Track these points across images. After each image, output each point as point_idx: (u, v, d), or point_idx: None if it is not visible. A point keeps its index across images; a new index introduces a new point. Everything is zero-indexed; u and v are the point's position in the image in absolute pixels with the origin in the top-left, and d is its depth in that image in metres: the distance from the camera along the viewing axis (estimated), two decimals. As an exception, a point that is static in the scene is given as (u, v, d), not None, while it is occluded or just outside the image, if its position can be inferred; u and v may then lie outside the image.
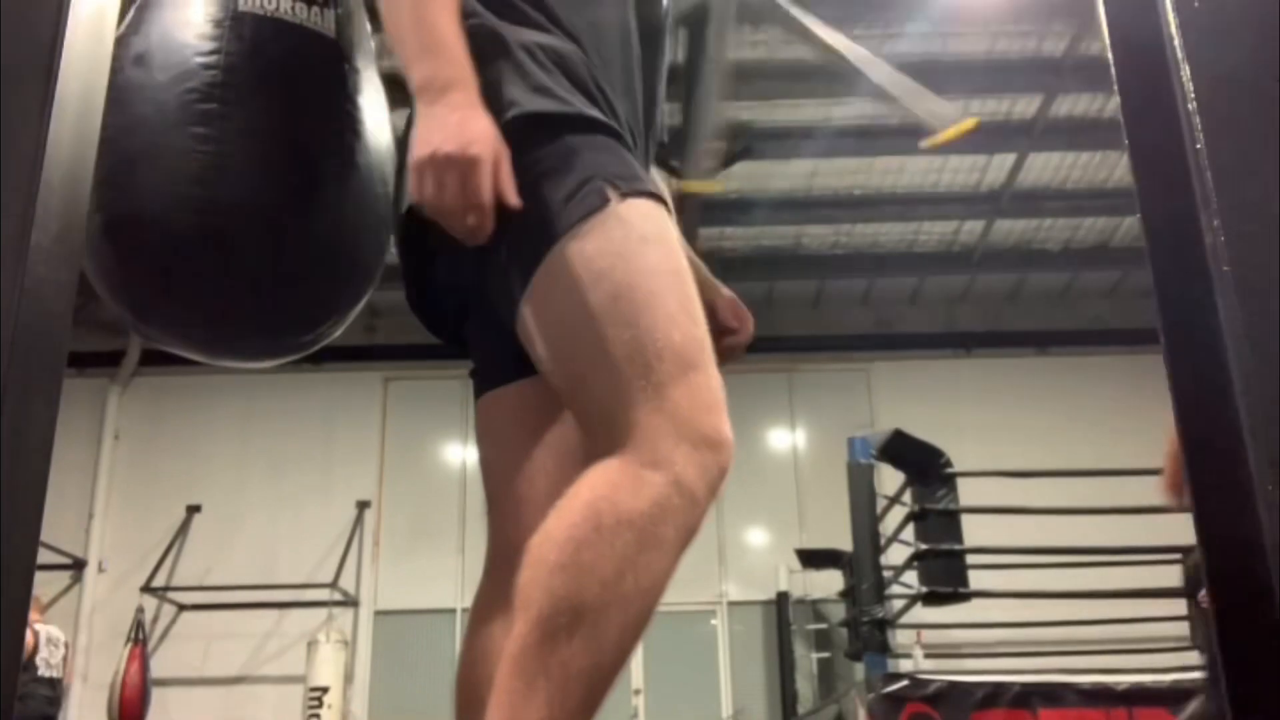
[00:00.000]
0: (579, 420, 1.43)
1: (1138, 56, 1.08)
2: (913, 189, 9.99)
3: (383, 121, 2.15)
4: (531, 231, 1.40)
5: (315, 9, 2.03)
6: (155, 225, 1.93)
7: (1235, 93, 0.99)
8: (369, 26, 2.22)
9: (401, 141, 1.60)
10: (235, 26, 1.96)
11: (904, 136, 8.95)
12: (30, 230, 0.96)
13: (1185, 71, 0.99)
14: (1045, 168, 9.72)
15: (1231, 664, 0.92)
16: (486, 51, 1.47)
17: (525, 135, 1.41)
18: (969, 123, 5.41)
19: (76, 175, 1.06)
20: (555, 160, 1.42)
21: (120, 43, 1.98)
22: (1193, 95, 0.98)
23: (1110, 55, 1.11)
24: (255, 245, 1.95)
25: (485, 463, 1.66)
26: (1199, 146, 0.97)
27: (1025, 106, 9.00)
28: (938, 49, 8.24)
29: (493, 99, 1.42)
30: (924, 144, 5.58)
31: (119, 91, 1.92)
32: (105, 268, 2.00)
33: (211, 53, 1.93)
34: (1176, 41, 1.01)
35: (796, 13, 5.58)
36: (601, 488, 1.28)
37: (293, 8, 2.01)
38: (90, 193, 1.76)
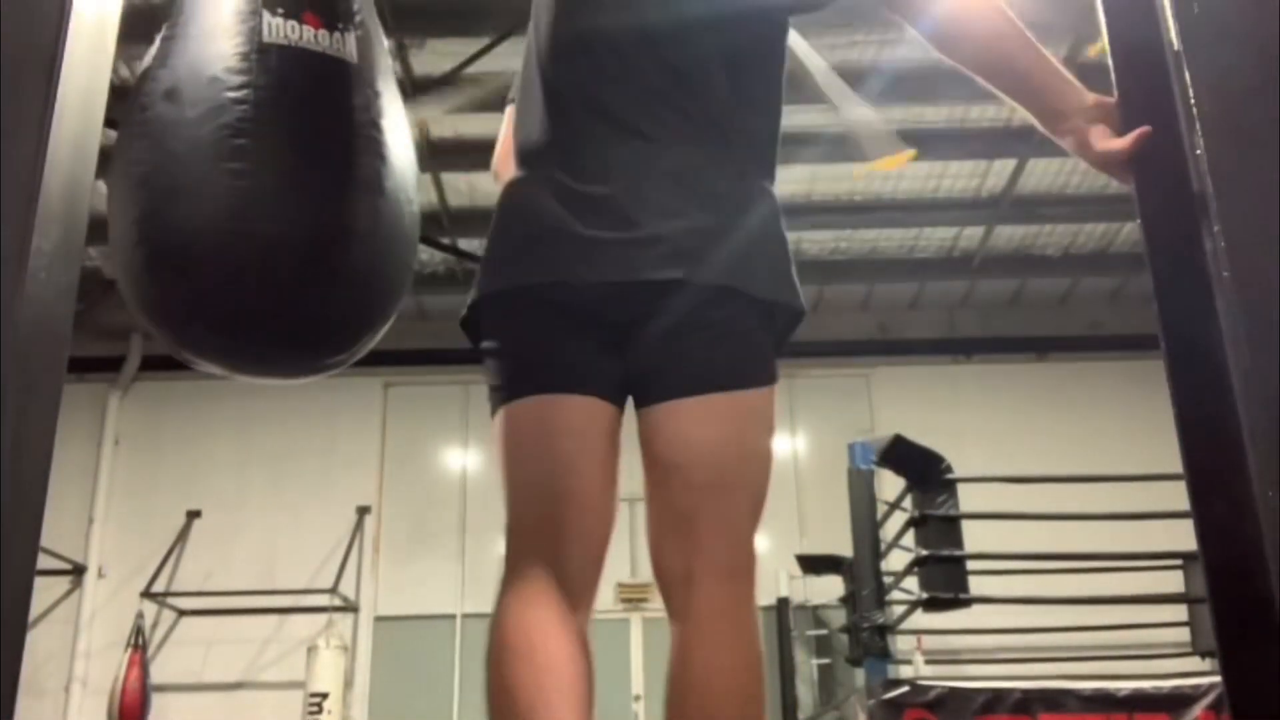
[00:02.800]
0: (694, 511, 1.64)
1: (1138, 62, 1.08)
2: (913, 194, 9.99)
3: (405, 141, 2.19)
4: (766, 359, 1.73)
5: (337, 35, 2.06)
6: (196, 259, 2.00)
7: (1235, 99, 0.99)
8: (386, 43, 2.25)
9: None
10: (262, 60, 1.98)
11: (904, 141, 8.96)
12: (31, 236, 0.96)
13: (1185, 78, 1.00)
14: (1045, 173, 9.71)
15: (1232, 668, 0.92)
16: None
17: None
18: (906, 154, 5.46)
19: (77, 181, 1.06)
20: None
21: (148, 76, 2.02)
22: (1193, 101, 0.98)
23: (1111, 61, 1.11)
24: (293, 273, 2.02)
25: (565, 456, 1.70)
26: (1199, 152, 0.97)
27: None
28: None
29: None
30: (857, 171, 5.67)
31: (151, 126, 2.00)
32: (149, 298, 2.07)
33: (241, 87, 1.97)
34: (1177, 47, 1.01)
35: None
36: (754, 625, 1.64)
37: (315, 36, 2.04)
38: (129, 228, 1.79)
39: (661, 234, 1.67)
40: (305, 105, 2.04)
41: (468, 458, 10.87)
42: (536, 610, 1.61)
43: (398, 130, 2.16)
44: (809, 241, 10.30)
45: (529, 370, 1.74)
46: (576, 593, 1.66)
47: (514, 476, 1.72)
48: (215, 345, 2.11)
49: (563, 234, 1.70)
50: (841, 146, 8.65)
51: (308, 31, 2.03)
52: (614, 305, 1.69)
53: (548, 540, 1.66)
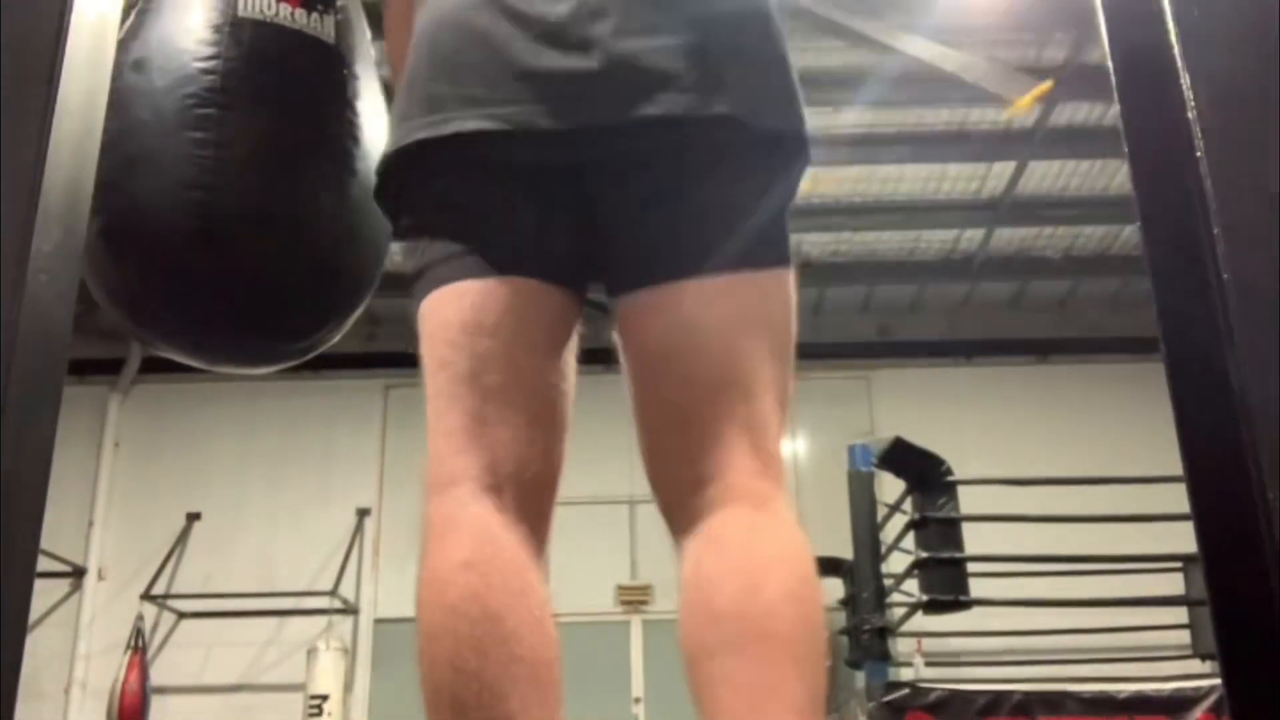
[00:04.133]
0: (704, 411, 1.33)
1: (1138, 64, 1.08)
2: (913, 197, 9.99)
3: (382, 127, 2.16)
4: (780, 232, 1.43)
5: (315, 15, 2.04)
6: (152, 229, 1.94)
7: (1236, 101, 0.99)
8: (369, 32, 2.22)
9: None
10: (234, 32, 1.96)
11: (904, 144, 8.98)
12: (31, 237, 0.96)
13: (1185, 80, 1.00)
14: (1045, 176, 9.72)
15: (1233, 671, 0.92)
16: None
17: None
18: (1044, 85, 5.41)
19: (77, 182, 1.06)
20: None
21: (119, 47, 1.98)
22: (1193, 103, 0.98)
23: (1110, 63, 1.11)
24: (252, 250, 1.96)
25: (489, 351, 1.37)
26: (1199, 155, 0.97)
27: (1025, 115, 9.00)
28: (937, 58, 8.24)
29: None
30: (1007, 113, 5.58)
31: (118, 95, 1.92)
32: (102, 270, 2.01)
33: (210, 58, 1.94)
34: (1177, 49, 1.01)
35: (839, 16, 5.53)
36: (786, 514, 1.34)
37: (292, 14, 2.01)
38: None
39: (638, 59, 1.30)
40: (276, 80, 1.99)
41: (468, 460, 10.85)
42: (484, 551, 1.29)
43: (374, 115, 2.12)
44: (809, 244, 10.30)
45: (459, 249, 1.37)
46: (528, 520, 1.32)
47: (441, 383, 1.43)
48: (168, 323, 2.04)
49: (508, 66, 1.32)
50: (842, 148, 8.65)
51: (284, 8, 2.00)
52: (575, 159, 1.35)
53: (486, 452, 1.35)
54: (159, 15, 2.02)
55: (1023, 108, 4.98)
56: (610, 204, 1.37)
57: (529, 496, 1.35)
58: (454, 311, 1.39)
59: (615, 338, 1.41)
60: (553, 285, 1.38)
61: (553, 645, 1.29)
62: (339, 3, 2.10)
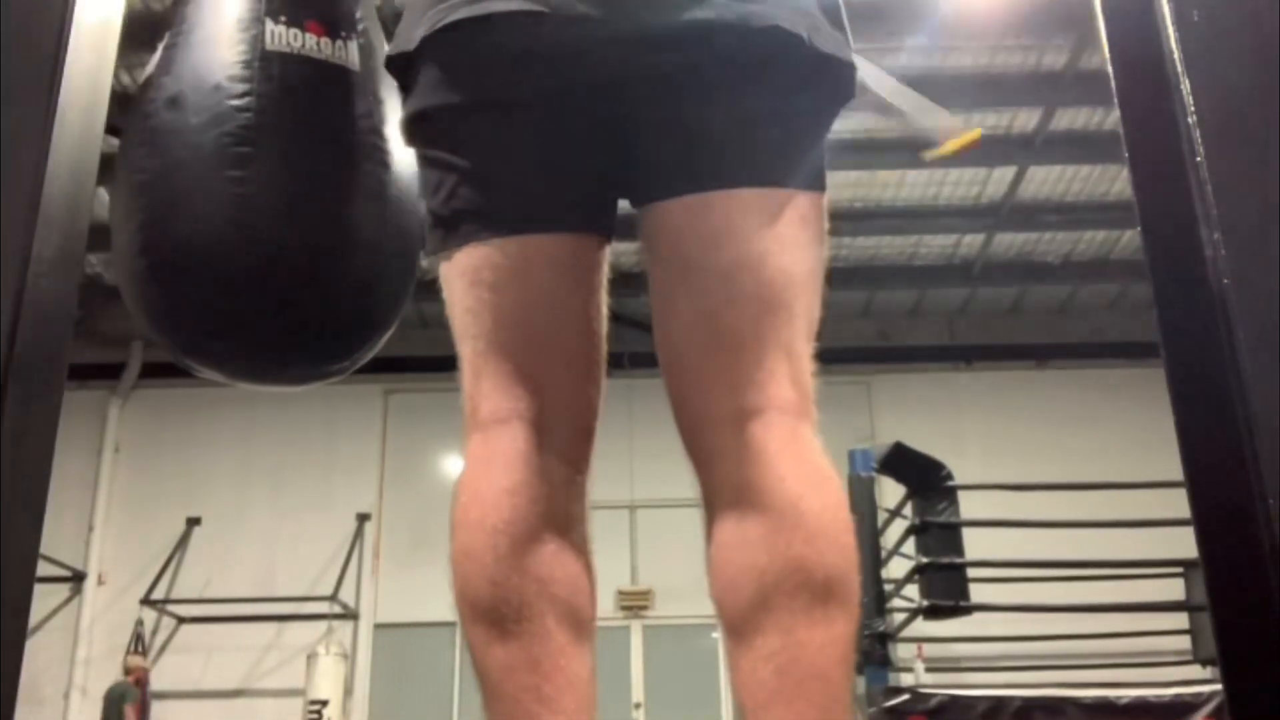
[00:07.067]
0: (745, 329, 1.26)
1: (1138, 70, 1.08)
2: (913, 202, 10.00)
3: (408, 149, 2.19)
4: (820, 160, 1.36)
5: (339, 43, 2.07)
6: (198, 267, 2.00)
7: (1235, 106, 0.99)
8: (388, 48, 2.25)
9: None
10: (264, 67, 1.99)
11: (904, 150, 8.97)
12: (32, 243, 0.96)
13: (1185, 85, 1.00)
14: (1045, 181, 9.73)
15: (1233, 676, 0.92)
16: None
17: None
18: (972, 134, 5.39)
19: (78, 188, 1.06)
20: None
21: (151, 84, 2.03)
22: (1193, 108, 0.98)
23: (1110, 69, 1.11)
24: (294, 281, 2.02)
25: (516, 308, 1.33)
26: (1199, 159, 0.97)
27: (1025, 120, 9.01)
28: (937, 63, 8.26)
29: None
30: (926, 156, 5.55)
31: (154, 134, 2.00)
32: (151, 307, 2.08)
33: (243, 94, 1.98)
34: (1176, 55, 1.01)
35: None
36: (824, 460, 1.25)
37: (318, 43, 2.04)
38: (132, 235, 1.79)
39: None
40: (307, 113, 2.05)
41: (468, 465, 10.85)
42: (528, 481, 1.26)
43: (399, 138, 2.17)
44: (809, 249, 10.32)
45: (478, 201, 1.34)
46: (568, 459, 1.32)
47: (469, 329, 1.36)
48: (217, 352, 2.12)
49: None
50: (839, 154, 8.65)
51: (310, 39, 2.04)
52: (610, 73, 1.28)
53: (521, 398, 1.30)
54: (189, 50, 2.04)
55: (947, 152, 5.00)
56: (647, 109, 1.30)
57: (568, 436, 1.33)
58: (474, 272, 1.34)
59: (643, 249, 1.35)
60: (573, 234, 1.34)
61: (587, 578, 1.29)
62: (360, 26, 2.12)
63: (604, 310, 1.40)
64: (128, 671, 9.66)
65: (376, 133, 2.09)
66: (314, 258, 2.02)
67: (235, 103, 1.97)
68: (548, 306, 1.33)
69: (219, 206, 1.96)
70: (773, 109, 1.30)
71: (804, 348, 1.30)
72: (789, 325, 1.28)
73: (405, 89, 1.41)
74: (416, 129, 1.41)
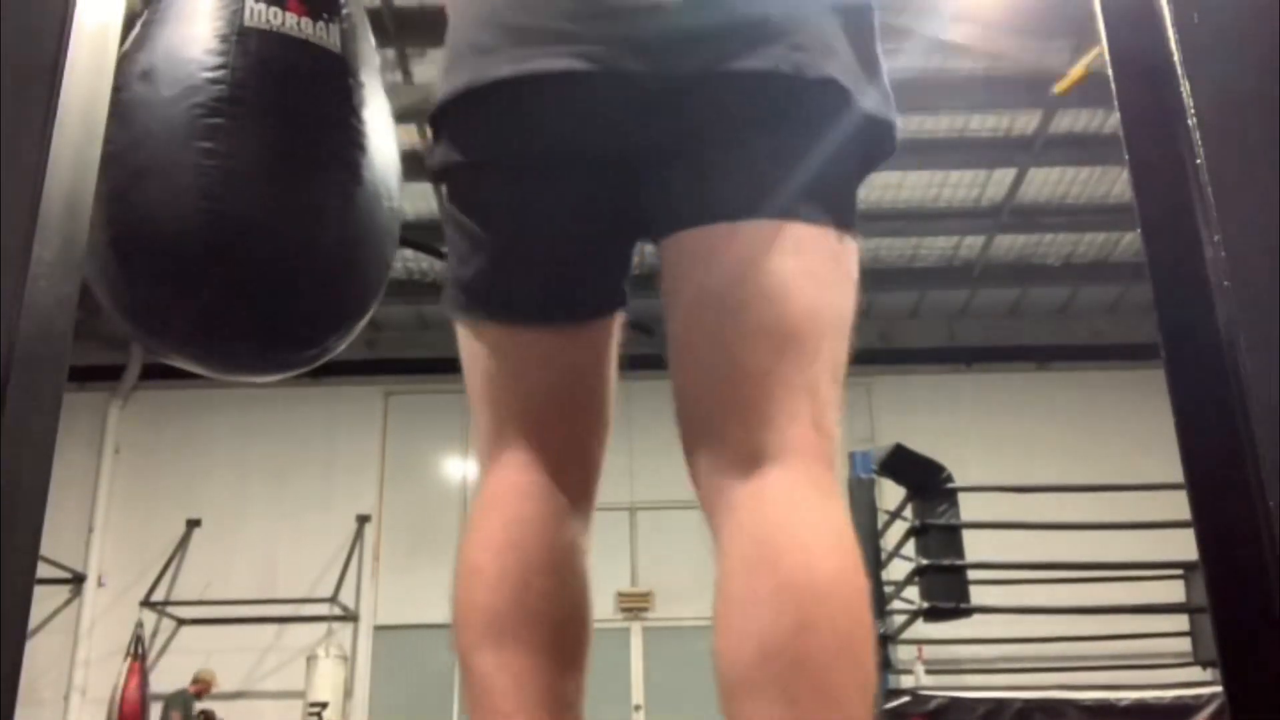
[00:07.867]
0: (765, 365, 1.21)
1: (1138, 72, 1.08)
2: (913, 204, 10.00)
3: (388, 135, 2.16)
4: (852, 201, 1.33)
5: (320, 24, 2.05)
6: (162, 240, 1.95)
7: (1235, 107, 0.99)
8: (373, 40, 2.23)
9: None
10: (241, 42, 1.96)
11: (904, 152, 8.96)
12: (32, 244, 0.96)
13: (1185, 87, 1.00)
14: (1045, 183, 9.73)
15: (1234, 679, 0.92)
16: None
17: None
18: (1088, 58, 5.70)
19: (78, 190, 1.06)
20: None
21: (126, 59, 1.99)
22: (1193, 110, 0.98)
23: (1110, 70, 1.11)
24: (261, 259, 1.96)
25: (531, 386, 1.33)
26: (1199, 161, 0.97)
27: (1025, 122, 9.01)
28: (937, 65, 8.26)
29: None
30: (1055, 90, 5.80)
31: (125, 107, 1.94)
32: (111, 280, 2.01)
33: (218, 68, 1.95)
34: (1176, 57, 1.01)
35: None
36: (843, 516, 1.18)
37: (298, 23, 2.02)
38: (95, 207, 1.78)
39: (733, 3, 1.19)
40: (283, 89, 2.00)
41: (468, 466, 10.86)
42: (527, 516, 1.27)
43: (380, 124, 2.13)
44: (809, 251, 10.32)
45: (492, 278, 1.30)
46: (572, 499, 1.32)
47: (478, 390, 1.35)
48: (178, 333, 2.05)
49: (592, 3, 1.19)
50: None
51: (290, 18, 2.01)
52: (660, 128, 1.22)
53: (526, 451, 1.31)
54: (165, 25, 2.02)
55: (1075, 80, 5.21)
56: (684, 151, 1.24)
57: (578, 477, 1.35)
58: (492, 346, 1.33)
59: (662, 284, 1.29)
60: (589, 322, 1.33)
61: (583, 603, 1.31)
62: (344, 11, 2.10)
63: (615, 368, 1.38)
64: (195, 681, 9.68)
65: (354, 114, 2.05)
66: (281, 236, 1.96)
67: (209, 75, 1.93)
68: (562, 385, 1.33)
69: (186, 178, 1.90)
70: (810, 151, 1.26)
71: (830, 391, 1.24)
72: (813, 364, 1.22)
73: (435, 135, 1.34)
74: (442, 182, 1.37)
